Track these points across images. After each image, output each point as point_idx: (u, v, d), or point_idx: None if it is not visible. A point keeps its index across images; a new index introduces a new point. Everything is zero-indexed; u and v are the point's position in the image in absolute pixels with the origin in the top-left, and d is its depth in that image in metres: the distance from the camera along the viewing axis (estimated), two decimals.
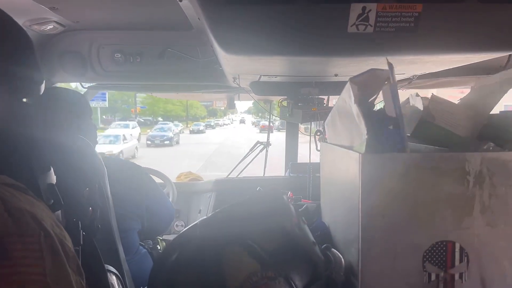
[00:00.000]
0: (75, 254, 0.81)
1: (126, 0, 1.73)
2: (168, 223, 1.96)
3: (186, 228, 1.30)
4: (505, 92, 1.31)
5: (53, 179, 0.97)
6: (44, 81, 1.04)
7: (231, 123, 61.59)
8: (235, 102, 3.37)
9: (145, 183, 1.81)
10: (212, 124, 51.44)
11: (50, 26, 2.00)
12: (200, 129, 41.25)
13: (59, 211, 0.96)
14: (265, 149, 3.30)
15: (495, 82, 1.39)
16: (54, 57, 2.26)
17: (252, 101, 2.94)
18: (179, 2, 1.62)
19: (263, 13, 1.11)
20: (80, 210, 1.06)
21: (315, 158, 2.47)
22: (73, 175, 1.05)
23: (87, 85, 2.62)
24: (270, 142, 3.32)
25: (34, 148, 0.91)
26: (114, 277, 1.30)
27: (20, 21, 1.84)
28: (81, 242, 1.04)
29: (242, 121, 67.48)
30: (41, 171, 0.92)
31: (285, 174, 3.16)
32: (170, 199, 2.50)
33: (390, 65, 1.13)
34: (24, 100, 0.99)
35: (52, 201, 0.91)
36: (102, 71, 2.33)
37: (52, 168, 0.97)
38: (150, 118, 48.02)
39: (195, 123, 46.23)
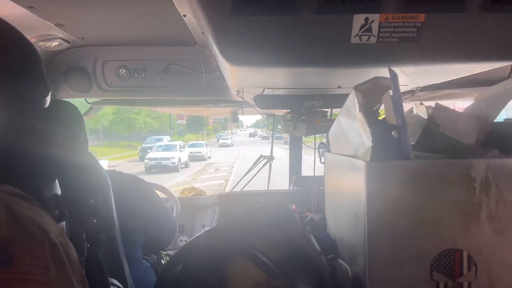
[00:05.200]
0: (80, 265, 0.81)
1: (130, 16, 1.75)
2: (171, 235, 1.94)
3: (190, 240, 1.29)
4: (508, 101, 1.31)
5: (58, 190, 0.97)
6: (49, 94, 1.05)
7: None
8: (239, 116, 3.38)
9: (147, 195, 1.80)
10: None
11: (55, 43, 2.02)
12: None
13: (64, 222, 0.95)
14: (268, 162, 3.30)
15: (498, 91, 1.39)
16: (60, 74, 2.28)
17: (258, 114, 2.95)
18: (183, 17, 1.64)
19: (267, 24, 1.12)
20: (85, 222, 1.06)
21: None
22: (78, 187, 1.05)
23: (91, 101, 2.63)
24: (274, 156, 3.32)
25: (39, 159, 0.92)
26: None
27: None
28: (85, 254, 1.03)
29: (252, 135, 65.92)
30: (45, 183, 0.93)
31: (289, 187, 3.15)
32: (174, 214, 2.49)
33: (392, 72, 1.14)
34: (29, 112, 1.00)
35: (57, 212, 0.91)
36: (106, 86, 2.35)
37: (56, 180, 0.98)
38: None
39: None
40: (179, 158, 23.50)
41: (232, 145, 43.58)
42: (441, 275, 1.15)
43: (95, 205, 1.12)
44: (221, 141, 45.46)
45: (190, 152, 27.71)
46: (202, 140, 47.49)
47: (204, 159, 28.90)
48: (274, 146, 3.40)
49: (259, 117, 2.97)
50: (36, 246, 0.69)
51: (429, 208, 1.15)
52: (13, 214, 0.69)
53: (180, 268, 1.18)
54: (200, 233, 1.25)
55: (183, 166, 24.11)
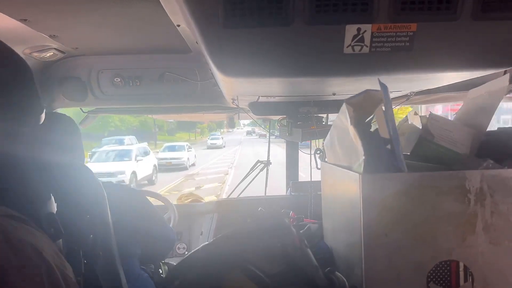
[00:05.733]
0: (76, 285, 0.81)
1: (124, 26, 1.75)
2: (168, 247, 1.93)
3: (187, 255, 1.29)
4: (497, 103, 1.31)
5: (54, 207, 0.96)
6: (44, 111, 1.04)
7: None
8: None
9: (142, 207, 1.79)
10: None
11: (50, 53, 2.02)
12: None
13: (60, 240, 0.95)
14: (265, 168, 3.30)
15: (485, 92, 1.38)
16: (55, 84, 2.27)
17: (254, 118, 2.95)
18: (177, 27, 1.64)
19: (260, 36, 1.11)
20: (81, 238, 1.05)
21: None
22: (73, 203, 1.04)
23: (87, 110, 2.63)
24: (271, 161, 3.31)
25: (34, 178, 0.91)
26: None
27: (20, 49, 1.86)
28: (83, 271, 1.02)
29: (250, 133, 63.69)
30: (41, 201, 0.92)
31: (286, 193, 3.14)
32: (172, 222, 2.48)
33: (383, 86, 1.13)
34: (23, 130, 0.99)
35: (52, 230, 0.90)
36: (102, 95, 2.35)
37: (52, 197, 0.97)
38: None
39: None
40: (133, 173, 15.61)
41: (223, 146, 37.02)
42: (438, 287, 1.15)
43: (91, 220, 1.11)
44: (209, 141, 38.29)
45: (163, 159, 20.42)
46: (195, 139, 41.64)
47: (185, 169, 20.98)
48: (275, 146, 3.38)
49: (250, 119, 2.97)
50: (32, 271, 0.68)
51: (424, 219, 1.15)
52: (8, 237, 0.68)
53: (177, 284, 1.17)
54: (197, 248, 1.24)
55: (145, 182, 16.65)
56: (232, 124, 3.34)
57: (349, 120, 1.19)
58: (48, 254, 0.73)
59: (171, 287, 1.18)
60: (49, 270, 0.71)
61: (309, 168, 2.46)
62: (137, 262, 1.73)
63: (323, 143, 2.86)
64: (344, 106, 1.24)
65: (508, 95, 2.50)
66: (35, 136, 1.01)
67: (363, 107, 1.22)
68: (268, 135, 3.61)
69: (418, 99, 2.54)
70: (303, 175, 3.26)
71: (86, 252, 1.06)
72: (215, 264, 1.15)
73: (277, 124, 2.65)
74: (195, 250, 1.25)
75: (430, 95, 2.47)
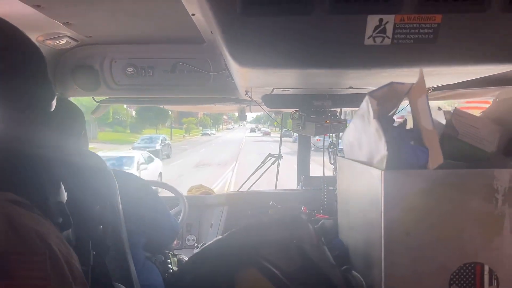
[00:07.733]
0: (82, 274, 0.79)
1: (138, 14, 1.72)
2: (172, 236, 1.91)
3: (200, 249, 1.26)
4: None
5: (64, 196, 0.94)
6: (55, 97, 1.01)
7: None
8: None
9: (147, 195, 1.77)
10: None
11: (63, 41, 2.00)
12: None
13: (70, 230, 0.93)
14: (276, 162, 3.26)
15: None
16: (67, 72, 2.26)
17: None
18: (191, 16, 1.61)
19: (278, 25, 1.08)
20: (91, 229, 1.04)
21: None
22: (84, 193, 1.02)
23: (99, 99, 2.62)
24: (282, 155, 3.28)
25: (43, 164, 0.89)
26: None
27: (33, 36, 1.84)
28: (91, 262, 1.01)
29: (253, 130, 61.94)
30: (50, 189, 0.90)
31: (297, 187, 3.11)
32: (182, 212, 2.46)
33: (421, 76, 1.08)
34: (34, 116, 0.97)
35: (61, 219, 0.89)
36: (114, 85, 2.33)
37: (62, 185, 0.95)
38: None
39: None
40: None
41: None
42: None
43: (101, 211, 1.09)
44: None
45: None
46: (172, 140, 24.18)
47: None
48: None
49: (260, 112, 2.94)
50: (36, 257, 0.67)
51: (448, 219, 1.11)
52: (12, 223, 0.68)
53: (189, 279, 1.14)
54: (210, 242, 1.21)
55: None
56: (243, 117, 3.30)
57: (372, 113, 1.14)
58: (53, 241, 0.72)
59: (184, 283, 1.15)
60: (53, 256, 0.69)
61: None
62: (141, 251, 1.72)
63: (333, 140, 2.84)
64: (366, 98, 1.19)
65: None
66: (45, 123, 0.99)
67: (386, 101, 1.17)
68: (280, 133, 3.57)
69: (435, 95, 2.47)
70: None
71: (95, 243, 1.04)
72: (228, 259, 1.11)
73: (290, 117, 2.61)
74: (208, 244, 1.21)
75: (448, 91, 2.40)
